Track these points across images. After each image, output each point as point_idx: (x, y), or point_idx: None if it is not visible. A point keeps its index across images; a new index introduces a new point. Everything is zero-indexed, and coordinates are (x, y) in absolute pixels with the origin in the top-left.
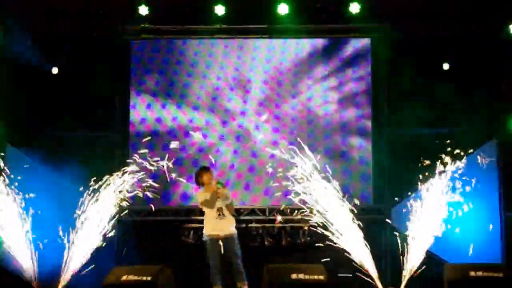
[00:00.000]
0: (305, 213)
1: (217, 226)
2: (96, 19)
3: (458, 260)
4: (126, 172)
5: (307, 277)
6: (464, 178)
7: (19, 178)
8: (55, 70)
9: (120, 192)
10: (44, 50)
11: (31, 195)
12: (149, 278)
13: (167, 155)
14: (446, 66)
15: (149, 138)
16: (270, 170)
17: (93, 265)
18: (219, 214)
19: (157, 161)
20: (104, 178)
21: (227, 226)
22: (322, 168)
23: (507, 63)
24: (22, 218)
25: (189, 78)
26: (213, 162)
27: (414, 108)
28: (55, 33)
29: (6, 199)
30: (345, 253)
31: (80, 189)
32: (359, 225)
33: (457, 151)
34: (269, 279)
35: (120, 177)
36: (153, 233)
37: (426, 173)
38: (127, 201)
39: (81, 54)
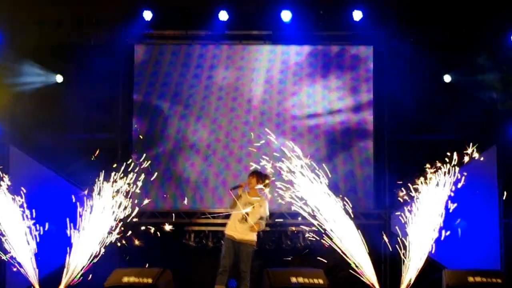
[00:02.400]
0: (305, 217)
1: (236, 228)
2: (100, 23)
3: (457, 266)
4: (128, 175)
5: (306, 280)
6: (463, 184)
7: (20, 179)
8: (59, 78)
9: (121, 194)
10: (48, 53)
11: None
12: (150, 281)
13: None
14: (447, 79)
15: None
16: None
17: (94, 267)
18: (243, 218)
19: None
20: (106, 181)
21: (246, 232)
22: (323, 174)
23: (506, 69)
24: (23, 220)
25: (193, 83)
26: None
27: (414, 114)
28: (59, 37)
29: (7, 200)
30: (345, 258)
31: (82, 191)
32: (359, 230)
33: (456, 157)
34: (270, 282)
35: (122, 180)
36: (154, 236)
37: (426, 179)
38: (128, 202)
39: (84, 58)
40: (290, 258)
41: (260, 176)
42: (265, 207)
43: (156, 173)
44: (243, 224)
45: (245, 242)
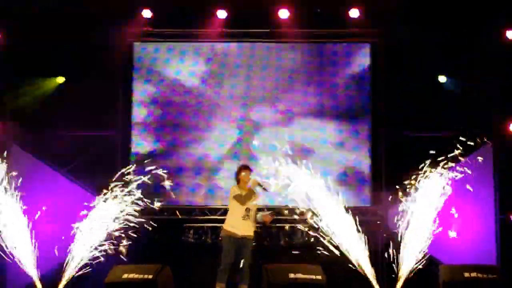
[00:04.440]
0: (303, 214)
1: (240, 225)
2: (100, 22)
3: (454, 261)
4: (127, 172)
5: (304, 276)
6: (459, 180)
7: (21, 177)
8: (60, 80)
9: (121, 191)
10: (47, 52)
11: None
12: (150, 277)
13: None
14: (442, 79)
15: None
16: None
17: (95, 263)
18: (246, 215)
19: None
20: (105, 177)
21: (248, 228)
22: (320, 171)
23: (502, 67)
24: (24, 216)
25: (191, 80)
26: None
27: (411, 111)
28: (58, 36)
29: (9, 198)
30: (342, 254)
31: (82, 188)
32: (356, 226)
33: (452, 153)
34: (268, 278)
35: (121, 177)
36: (153, 232)
37: (423, 175)
38: (127, 197)
39: (84, 56)
40: (288, 255)
41: (249, 168)
42: (257, 201)
43: (154, 169)
44: (245, 221)
45: (247, 237)
